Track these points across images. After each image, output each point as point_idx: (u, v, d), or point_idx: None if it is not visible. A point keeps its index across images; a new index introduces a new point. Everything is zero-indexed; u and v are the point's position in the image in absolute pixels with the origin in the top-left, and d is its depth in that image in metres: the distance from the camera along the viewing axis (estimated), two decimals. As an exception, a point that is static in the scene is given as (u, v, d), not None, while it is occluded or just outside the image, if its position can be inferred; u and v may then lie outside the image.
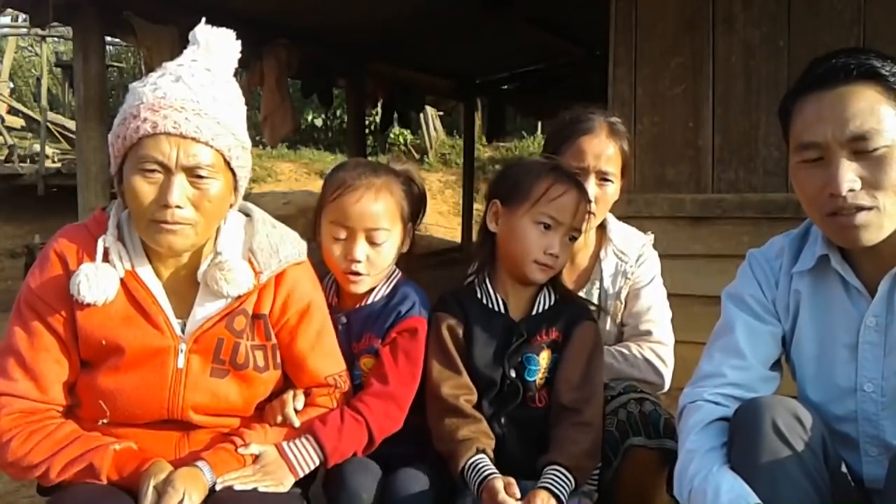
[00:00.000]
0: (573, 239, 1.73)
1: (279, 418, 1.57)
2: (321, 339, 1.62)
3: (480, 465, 1.57)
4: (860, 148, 1.31)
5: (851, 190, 1.30)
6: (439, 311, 1.75)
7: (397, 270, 1.81)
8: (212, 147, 1.42)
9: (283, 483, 1.48)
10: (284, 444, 1.53)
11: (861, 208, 1.31)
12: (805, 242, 1.51)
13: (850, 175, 1.31)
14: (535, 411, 1.69)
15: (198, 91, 1.41)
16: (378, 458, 1.65)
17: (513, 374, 1.69)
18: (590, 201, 1.79)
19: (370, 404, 1.62)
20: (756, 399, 1.38)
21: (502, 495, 1.48)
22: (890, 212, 1.32)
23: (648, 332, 1.98)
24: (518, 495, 1.49)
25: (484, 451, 1.60)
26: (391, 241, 1.72)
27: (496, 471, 1.57)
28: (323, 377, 1.62)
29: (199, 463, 1.41)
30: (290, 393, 1.61)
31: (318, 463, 1.54)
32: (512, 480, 1.51)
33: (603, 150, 1.94)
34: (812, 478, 1.29)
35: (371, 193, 1.70)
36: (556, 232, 1.69)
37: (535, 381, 1.69)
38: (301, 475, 1.51)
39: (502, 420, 1.69)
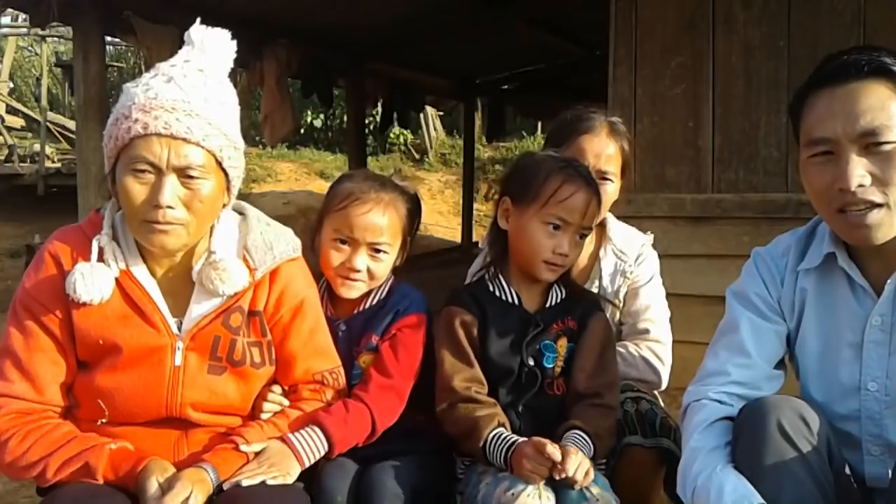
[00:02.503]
0: (583, 237, 1.74)
1: (268, 406, 1.59)
2: (313, 337, 1.63)
3: (505, 435, 1.58)
4: (870, 143, 1.31)
5: (861, 185, 1.30)
6: (452, 306, 1.75)
7: (391, 274, 1.82)
8: (203, 147, 1.42)
9: (290, 473, 1.48)
10: (290, 434, 1.53)
11: (871, 204, 1.31)
12: (812, 240, 1.51)
13: (859, 170, 1.30)
14: (552, 399, 1.70)
15: (189, 92, 1.42)
16: (361, 457, 1.65)
17: (531, 361, 1.69)
18: (599, 198, 1.77)
19: (374, 395, 1.64)
20: (762, 399, 1.38)
21: (551, 447, 1.48)
22: None
23: (646, 331, 1.98)
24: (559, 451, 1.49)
25: (504, 426, 1.61)
26: (391, 255, 1.75)
27: (518, 439, 1.57)
28: (311, 374, 1.62)
29: (203, 464, 1.41)
30: (268, 388, 1.62)
31: (323, 452, 1.54)
32: (554, 443, 1.51)
33: (603, 149, 1.94)
34: (816, 478, 1.29)
35: (380, 208, 1.72)
36: (565, 232, 1.68)
37: (552, 367, 1.70)
38: (307, 464, 1.52)
39: (520, 409, 1.69)
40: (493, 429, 1.59)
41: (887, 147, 1.30)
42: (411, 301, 1.76)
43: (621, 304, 2.01)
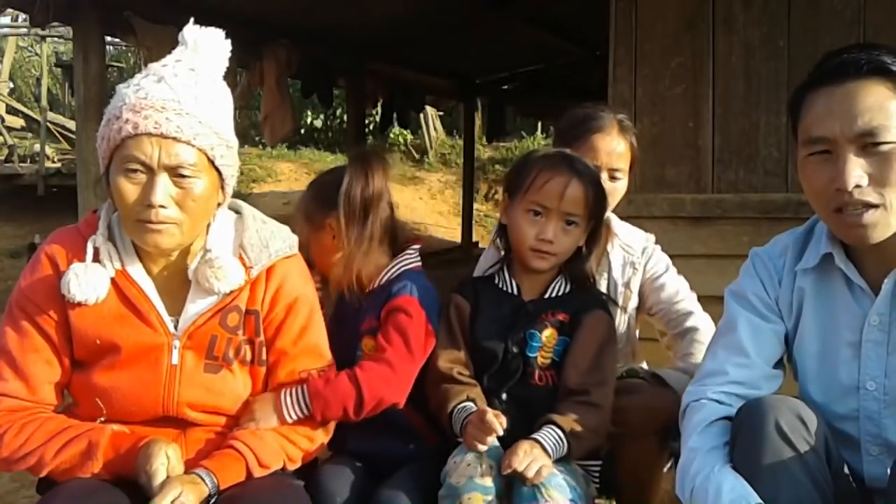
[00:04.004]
0: (570, 223, 1.73)
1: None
2: (304, 335, 1.62)
3: (467, 406, 1.61)
4: (868, 144, 1.30)
5: (858, 186, 1.30)
6: (454, 293, 1.81)
7: (407, 258, 1.82)
8: (194, 146, 1.43)
9: (267, 418, 1.52)
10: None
11: (868, 205, 1.31)
12: (809, 240, 1.51)
13: (857, 171, 1.30)
14: (536, 389, 1.70)
15: (179, 91, 1.42)
16: (358, 455, 1.68)
17: (515, 349, 1.71)
18: (585, 182, 1.75)
19: (364, 367, 1.64)
20: (759, 399, 1.37)
21: (491, 415, 1.50)
22: None
23: (690, 313, 1.99)
24: (505, 424, 1.50)
25: (474, 402, 1.63)
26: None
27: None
28: (297, 373, 1.62)
29: (199, 470, 1.41)
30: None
31: (305, 410, 1.55)
32: (500, 413, 1.52)
33: (614, 147, 2.00)
34: (814, 478, 1.29)
35: None
36: (547, 218, 1.71)
37: (536, 357, 1.71)
38: (287, 416, 1.54)
39: (503, 396, 1.70)
40: (459, 402, 1.62)
41: (885, 147, 1.29)
42: (405, 284, 1.75)
43: (632, 294, 2.04)
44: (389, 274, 1.79)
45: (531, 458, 1.47)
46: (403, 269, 1.80)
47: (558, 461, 1.55)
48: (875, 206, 1.31)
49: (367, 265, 1.78)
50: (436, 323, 1.76)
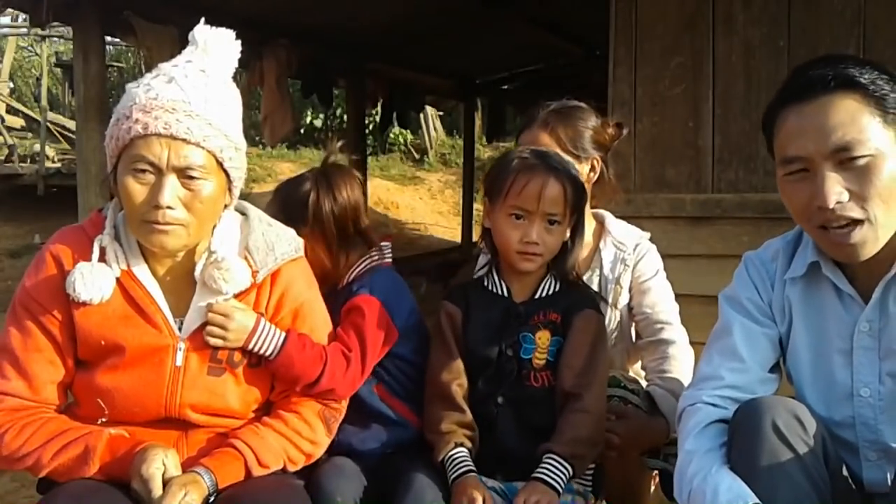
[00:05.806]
0: (554, 223, 1.72)
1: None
2: None
3: (457, 459, 1.63)
4: (844, 158, 1.29)
5: (839, 202, 1.29)
6: (445, 301, 1.81)
7: (373, 255, 1.84)
8: (203, 148, 1.42)
9: (237, 332, 1.51)
10: (263, 320, 1.55)
11: (851, 220, 1.30)
12: (798, 247, 1.50)
13: (836, 187, 1.29)
14: (531, 390, 1.71)
15: (190, 92, 1.42)
16: (361, 452, 1.71)
17: (509, 352, 1.72)
18: (563, 179, 1.74)
19: (332, 357, 1.62)
20: (756, 399, 1.37)
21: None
22: (882, 222, 1.30)
23: (668, 323, 1.99)
24: None
25: (462, 445, 1.65)
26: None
27: (472, 466, 1.62)
28: None
29: (198, 468, 1.42)
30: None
31: (270, 352, 1.54)
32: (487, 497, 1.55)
33: (532, 140, 2.01)
34: (812, 478, 1.29)
35: None
36: (529, 220, 1.71)
37: (530, 359, 1.71)
38: (254, 342, 1.53)
39: (499, 399, 1.71)
40: (448, 451, 1.64)
41: (861, 161, 1.28)
42: (366, 282, 1.78)
43: (622, 290, 2.03)
44: (357, 271, 1.81)
45: (537, 498, 1.52)
46: (370, 265, 1.82)
47: None
48: (860, 222, 1.30)
49: (338, 268, 1.82)
50: (404, 319, 1.78)
